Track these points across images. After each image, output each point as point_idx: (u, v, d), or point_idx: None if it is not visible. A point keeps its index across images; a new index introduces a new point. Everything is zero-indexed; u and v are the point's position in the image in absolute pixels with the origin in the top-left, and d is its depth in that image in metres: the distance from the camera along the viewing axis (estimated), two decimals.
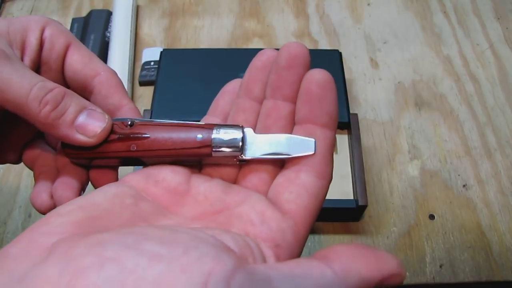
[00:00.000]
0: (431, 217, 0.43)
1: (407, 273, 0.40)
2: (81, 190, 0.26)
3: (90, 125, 0.23)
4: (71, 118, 0.23)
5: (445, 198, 0.44)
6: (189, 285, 0.14)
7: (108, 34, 0.56)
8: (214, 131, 0.22)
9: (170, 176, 0.22)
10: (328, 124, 0.22)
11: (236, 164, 0.23)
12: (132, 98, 0.52)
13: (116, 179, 0.26)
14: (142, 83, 0.53)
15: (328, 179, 0.22)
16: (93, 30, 0.56)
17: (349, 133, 0.44)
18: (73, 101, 0.23)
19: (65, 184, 0.25)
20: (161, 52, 0.50)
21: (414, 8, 0.60)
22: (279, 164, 0.23)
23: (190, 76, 0.48)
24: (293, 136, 0.22)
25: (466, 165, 0.46)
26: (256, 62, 0.24)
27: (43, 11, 0.62)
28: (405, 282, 0.40)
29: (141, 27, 0.59)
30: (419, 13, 0.60)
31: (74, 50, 0.27)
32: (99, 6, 0.61)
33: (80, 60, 0.27)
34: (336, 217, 0.43)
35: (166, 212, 0.21)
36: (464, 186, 0.45)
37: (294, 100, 0.23)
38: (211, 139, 0.22)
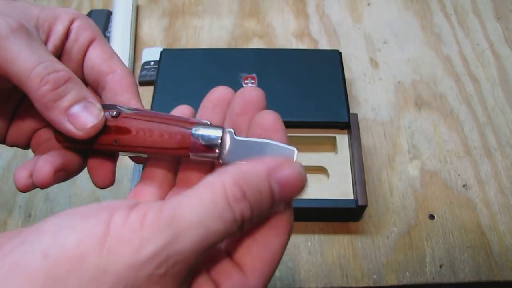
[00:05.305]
0: (431, 217, 0.43)
1: (407, 273, 0.40)
2: (61, 170, 0.25)
3: (82, 118, 0.23)
4: (66, 105, 0.23)
5: (445, 198, 0.44)
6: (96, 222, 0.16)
7: (108, 34, 0.56)
8: (193, 130, 0.23)
9: None
10: None
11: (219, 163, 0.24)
12: None
13: (113, 171, 0.26)
14: (142, 83, 0.53)
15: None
16: None
17: (349, 133, 0.44)
18: (75, 89, 0.23)
19: (46, 160, 0.24)
20: (161, 52, 0.50)
21: (414, 8, 0.60)
22: None
23: (190, 76, 0.48)
24: (274, 143, 0.22)
25: (466, 165, 0.46)
26: (206, 102, 0.25)
27: None
28: (405, 282, 0.40)
29: (141, 27, 0.59)
30: (419, 13, 0.60)
31: (97, 45, 0.27)
32: (99, 6, 0.61)
33: (99, 56, 0.27)
34: (336, 217, 0.43)
35: None
36: (464, 186, 0.45)
37: None
38: (189, 141, 0.23)
